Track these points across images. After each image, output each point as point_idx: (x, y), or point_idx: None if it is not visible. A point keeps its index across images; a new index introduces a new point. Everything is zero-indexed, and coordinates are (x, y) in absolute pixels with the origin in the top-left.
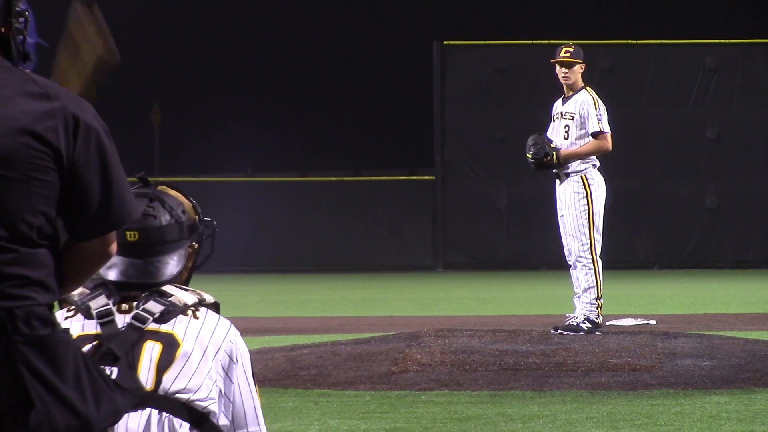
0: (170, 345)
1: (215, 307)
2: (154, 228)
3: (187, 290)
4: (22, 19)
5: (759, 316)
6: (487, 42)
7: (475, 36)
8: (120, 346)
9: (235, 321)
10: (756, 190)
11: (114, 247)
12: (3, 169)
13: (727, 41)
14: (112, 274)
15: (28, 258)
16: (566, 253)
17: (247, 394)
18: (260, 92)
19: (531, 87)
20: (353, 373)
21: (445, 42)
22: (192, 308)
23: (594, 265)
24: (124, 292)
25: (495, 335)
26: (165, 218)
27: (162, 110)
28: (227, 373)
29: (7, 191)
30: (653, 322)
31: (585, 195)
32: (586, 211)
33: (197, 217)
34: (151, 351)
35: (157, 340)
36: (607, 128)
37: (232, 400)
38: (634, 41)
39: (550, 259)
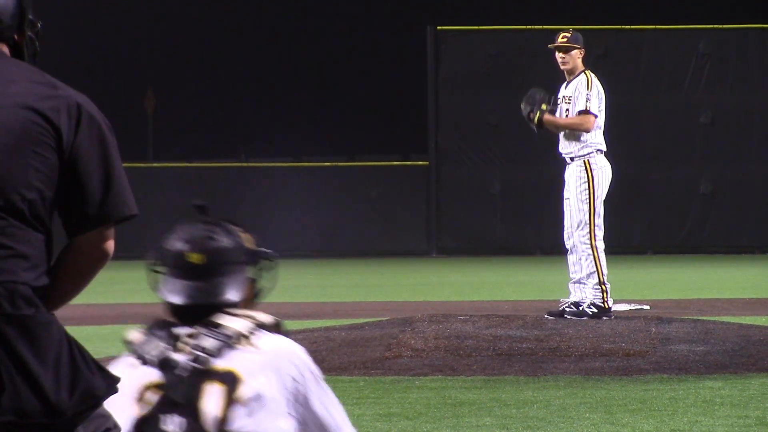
0: (232, 383)
1: (274, 327)
2: (216, 249)
3: (239, 316)
4: (34, 29)
5: (753, 301)
6: (481, 27)
7: (469, 21)
8: (181, 393)
9: None
10: (750, 175)
11: (111, 244)
12: (4, 138)
13: (720, 26)
14: (175, 298)
15: (16, 230)
16: (565, 236)
17: (325, 405)
18: (254, 78)
19: (525, 72)
20: (347, 359)
21: (439, 27)
22: (247, 336)
23: (593, 251)
24: (186, 315)
25: (489, 320)
26: (226, 241)
27: (156, 95)
28: (297, 397)
29: (5, 160)
30: (647, 307)
31: (586, 180)
32: (588, 197)
33: (255, 246)
34: (213, 394)
35: (216, 380)
36: (594, 109)
37: (315, 415)
38: (628, 26)
39: (544, 244)
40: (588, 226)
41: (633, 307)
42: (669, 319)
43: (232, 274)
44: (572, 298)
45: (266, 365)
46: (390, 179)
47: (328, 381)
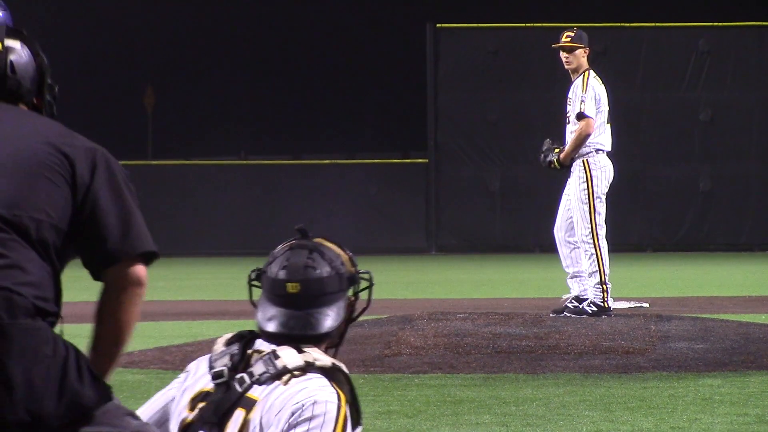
0: (249, 412)
1: (329, 371)
2: (315, 279)
3: (303, 351)
4: (52, 92)
5: (752, 298)
6: (480, 25)
7: (468, 19)
8: (214, 412)
9: (229, 305)
10: (749, 172)
11: (141, 270)
12: (19, 161)
13: (720, 24)
14: (271, 326)
15: (18, 246)
16: (555, 229)
17: None
18: (254, 75)
19: (524, 69)
20: (346, 356)
21: (438, 25)
22: (292, 373)
23: (596, 250)
24: (278, 341)
25: (488, 318)
26: (326, 270)
27: (155, 93)
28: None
29: (17, 180)
30: (646, 305)
31: (585, 180)
32: (587, 197)
33: (354, 269)
34: (237, 419)
35: (244, 406)
36: (589, 112)
37: None
38: (628, 24)
39: (543, 241)
40: (590, 225)
41: (632, 304)
42: (668, 316)
43: (329, 304)
44: (573, 293)
45: (282, 402)
46: (389, 177)
47: None
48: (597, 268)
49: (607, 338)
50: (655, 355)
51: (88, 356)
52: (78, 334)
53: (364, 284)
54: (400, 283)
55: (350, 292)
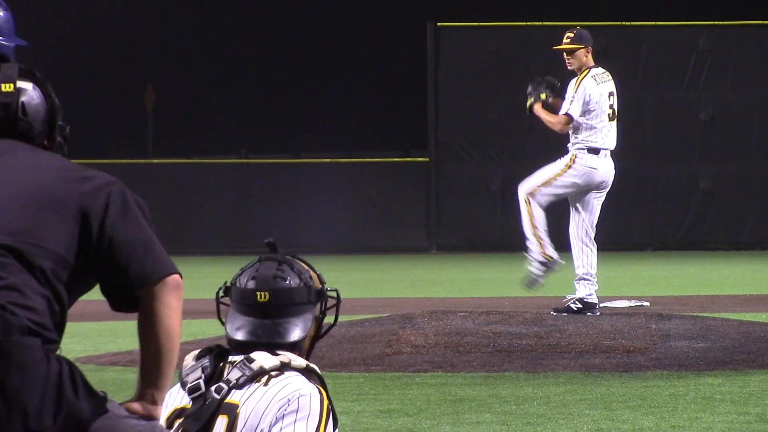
0: (233, 418)
1: (305, 371)
2: (284, 289)
3: (278, 354)
4: (63, 133)
5: (753, 297)
6: (481, 23)
7: (468, 17)
8: (194, 423)
9: None
10: (750, 172)
11: (176, 279)
12: (29, 193)
13: (721, 23)
14: (240, 335)
15: (16, 270)
16: (569, 230)
17: None
18: (254, 74)
19: (524, 68)
20: (347, 355)
21: (438, 23)
22: (270, 374)
23: (527, 206)
24: (246, 351)
25: (489, 317)
26: (294, 281)
27: (156, 92)
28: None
29: (24, 211)
30: (647, 303)
31: (563, 167)
32: (554, 175)
33: (322, 285)
34: (220, 426)
35: (225, 413)
36: (572, 112)
37: None
38: (628, 23)
39: None
40: (536, 188)
41: (633, 303)
42: (669, 315)
43: (297, 315)
44: (578, 295)
45: (266, 401)
46: (390, 175)
47: (328, 377)
48: (531, 226)
49: (607, 337)
50: (655, 353)
51: (140, 372)
52: (76, 332)
53: (331, 302)
54: (400, 282)
55: (317, 311)
